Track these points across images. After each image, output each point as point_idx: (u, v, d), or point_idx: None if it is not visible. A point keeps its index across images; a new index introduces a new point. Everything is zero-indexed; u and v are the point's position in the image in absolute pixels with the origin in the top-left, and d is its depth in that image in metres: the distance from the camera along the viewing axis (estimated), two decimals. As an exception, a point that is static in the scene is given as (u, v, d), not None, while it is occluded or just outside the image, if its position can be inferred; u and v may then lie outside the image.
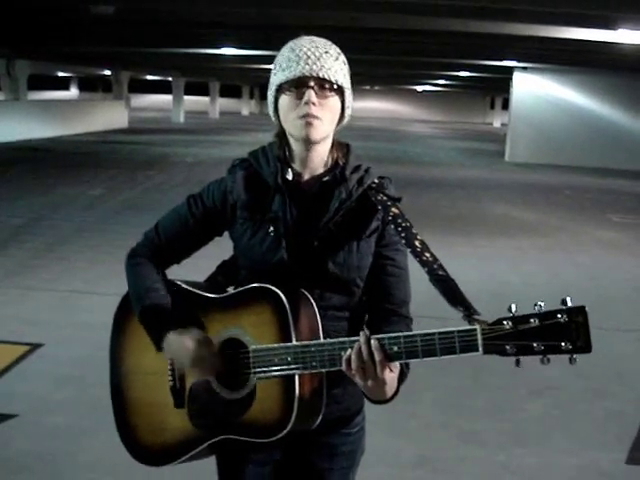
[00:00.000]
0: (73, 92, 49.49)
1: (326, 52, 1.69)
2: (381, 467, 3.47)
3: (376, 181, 1.78)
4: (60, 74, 42.48)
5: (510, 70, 21.52)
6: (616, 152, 20.92)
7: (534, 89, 21.68)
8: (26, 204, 10.27)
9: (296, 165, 1.77)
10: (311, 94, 1.67)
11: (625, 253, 8.95)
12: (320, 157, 1.76)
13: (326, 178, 1.76)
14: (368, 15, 11.27)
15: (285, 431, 1.66)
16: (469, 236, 9.30)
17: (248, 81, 46.70)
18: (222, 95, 45.58)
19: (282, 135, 1.77)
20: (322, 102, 1.68)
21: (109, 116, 28.75)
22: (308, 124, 1.68)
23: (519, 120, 21.87)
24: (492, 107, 52.18)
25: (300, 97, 1.67)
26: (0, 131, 20.09)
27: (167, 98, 43.15)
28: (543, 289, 6.78)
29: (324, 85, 1.68)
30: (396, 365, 1.62)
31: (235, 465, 1.85)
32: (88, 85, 49.14)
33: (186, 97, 39.00)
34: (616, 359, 5.15)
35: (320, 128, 1.69)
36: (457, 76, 28.37)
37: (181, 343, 1.73)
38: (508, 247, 8.88)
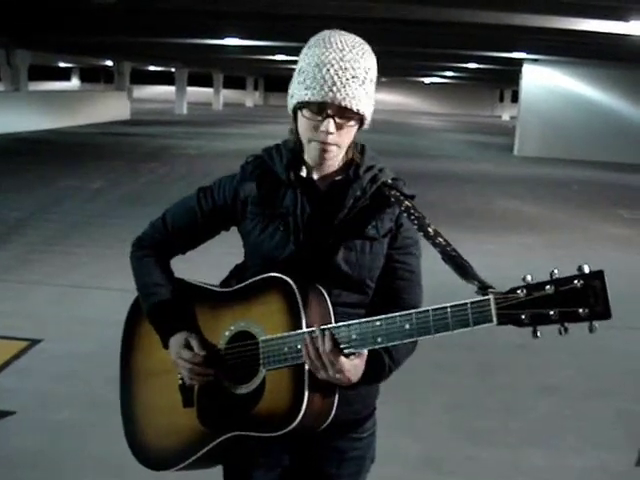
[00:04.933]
0: (74, 83, 49.31)
1: (353, 77, 1.61)
2: (387, 466, 3.37)
3: (389, 181, 1.77)
4: (61, 65, 42.42)
5: (520, 62, 21.28)
6: (627, 146, 20.69)
7: (544, 82, 21.40)
8: (26, 197, 10.25)
9: (309, 164, 1.76)
10: (330, 124, 1.64)
11: (636, 250, 8.82)
12: (334, 160, 1.75)
13: (339, 177, 1.76)
14: (375, 5, 11.23)
15: (295, 423, 1.61)
16: (476, 231, 9.17)
17: (252, 72, 46.62)
18: (226, 86, 45.47)
19: (297, 132, 1.73)
20: (340, 131, 1.65)
21: (111, 107, 28.63)
22: (324, 151, 1.67)
23: (528, 113, 21.62)
24: (501, 100, 51.63)
25: (319, 120, 1.64)
26: (0, 122, 19.96)
27: (170, 89, 43.05)
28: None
29: (345, 114, 1.64)
30: (363, 353, 1.60)
31: (242, 471, 1.82)
32: (90, 76, 48.97)
33: (189, 88, 38.87)
34: (627, 358, 5.13)
35: (335, 153, 1.69)
36: (465, 68, 28.17)
37: (178, 349, 1.77)
38: (515, 242, 8.79)
